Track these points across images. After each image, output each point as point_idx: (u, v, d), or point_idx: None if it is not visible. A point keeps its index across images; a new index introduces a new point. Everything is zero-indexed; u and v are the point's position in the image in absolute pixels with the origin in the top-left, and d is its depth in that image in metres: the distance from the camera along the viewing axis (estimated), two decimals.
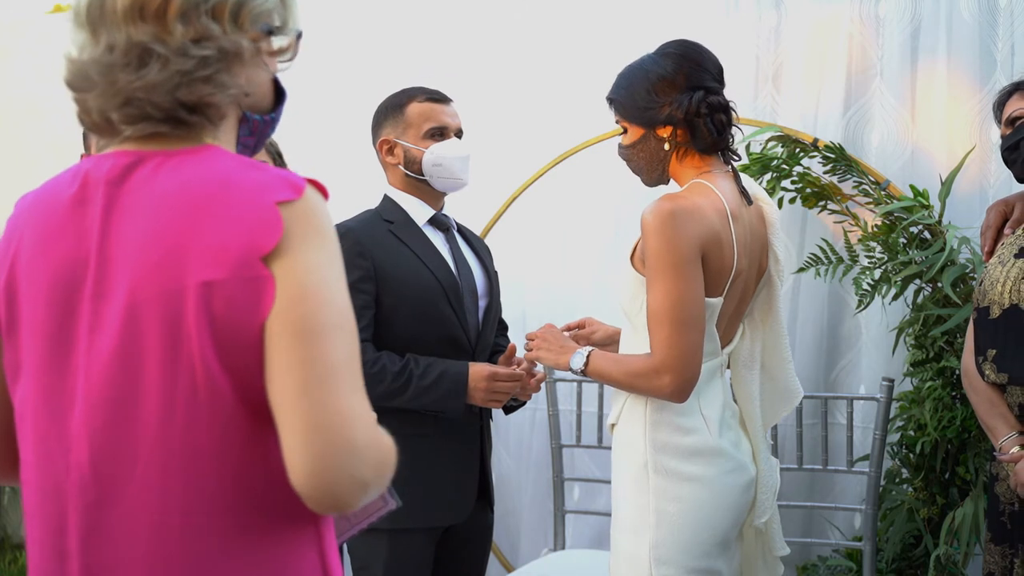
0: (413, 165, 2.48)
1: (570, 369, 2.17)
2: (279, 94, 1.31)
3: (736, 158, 2.16)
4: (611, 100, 2.14)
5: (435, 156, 2.47)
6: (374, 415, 1.14)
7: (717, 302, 2.04)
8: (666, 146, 2.08)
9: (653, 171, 2.14)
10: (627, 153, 2.15)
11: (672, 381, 1.97)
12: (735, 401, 2.20)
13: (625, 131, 2.14)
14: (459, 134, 2.53)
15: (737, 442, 2.11)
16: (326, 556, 1.21)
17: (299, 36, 1.30)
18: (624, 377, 2.06)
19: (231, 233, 1.11)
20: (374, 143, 2.56)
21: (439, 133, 2.49)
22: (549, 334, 2.26)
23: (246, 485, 1.14)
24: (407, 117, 2.49)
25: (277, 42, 1.26)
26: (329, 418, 1.08)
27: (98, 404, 1.14)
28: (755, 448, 2.15)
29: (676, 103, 2.05)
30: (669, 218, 1.96)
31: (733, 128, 2.11)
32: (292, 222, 1.12)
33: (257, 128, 1.29)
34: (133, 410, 1.12)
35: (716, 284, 2.03)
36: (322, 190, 1.19)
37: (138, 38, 1.15)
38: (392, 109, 2.52)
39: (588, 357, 2.12)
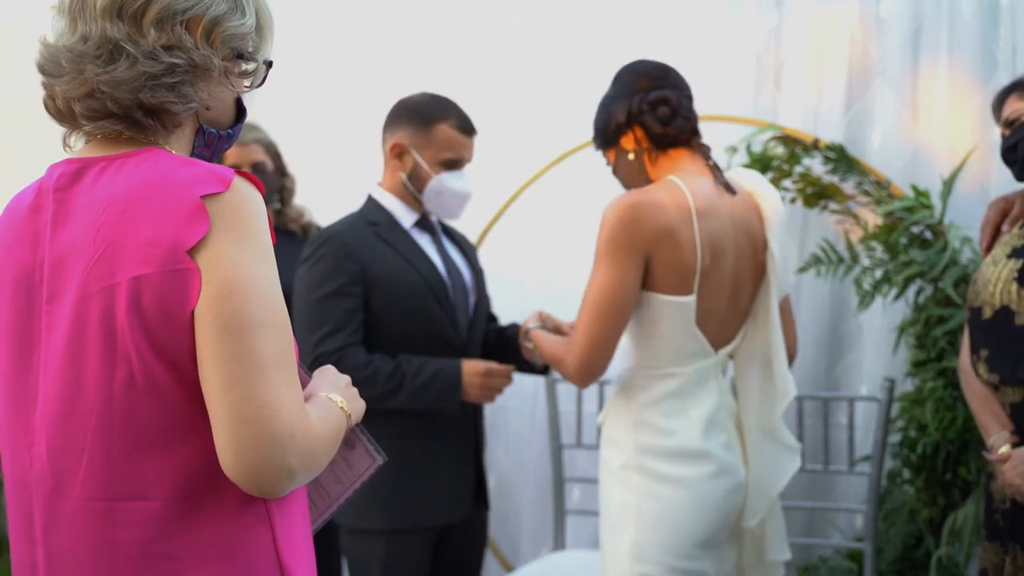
0: (416, 182, 2.46)
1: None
2: (240, 113, 1.36)
3: (708, 148, 2.19)
4: (593, 140, 2.27)
5: (440, 185, 2.44)
6: (303, 407, 1.18)
7: (689, 300, 2.04)
8: (631, 156, 2.17)
9: (636, 184, 2.18)
10: (616, 177, 2.26)
11: (572, 365, 2.08)
12: (737, 400, 2.20)
13: (607, 160, 2.26)
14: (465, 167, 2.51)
15: (728, 444, 2.12)
16: (278, 536, 1.24)
17: (269, 65, 1.35)
18: (549, 353, 2.23)
19: (160, 228, 1.15)
20: (384, 137, 2.51)
21: (453, 164, 2.46)
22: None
23: (193, 470, 1.18)
24: (432, 137, 2.44)
25: (246, 66, 1.31)
26: (254, 411, 1.13)
27: (51, 399, 1.20)
28: (746, 450, 2.16)
29: (623, 110, 2.16)
30: (622, 211, 2.03)
31: (685, 119, 2.15)
32: (218, 215, 1.16)
33: (212, 141, 1.33)
34: (78, 404, 1.18)
35: (681, 282, 2.03)
36: (256, 183, 1.22)
37: (112, 34, 1.21)
38: (419, 118, 2.46)
39: (533, 333, 2.33)
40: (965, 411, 2.71)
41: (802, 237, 3.14)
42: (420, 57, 3.43)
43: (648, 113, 2.14)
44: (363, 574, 2.43)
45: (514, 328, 2.60)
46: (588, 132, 3.25)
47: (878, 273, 2.91)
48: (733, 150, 3.09)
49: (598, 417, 2.21)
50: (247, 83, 1.33)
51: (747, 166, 2.99)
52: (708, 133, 2.30)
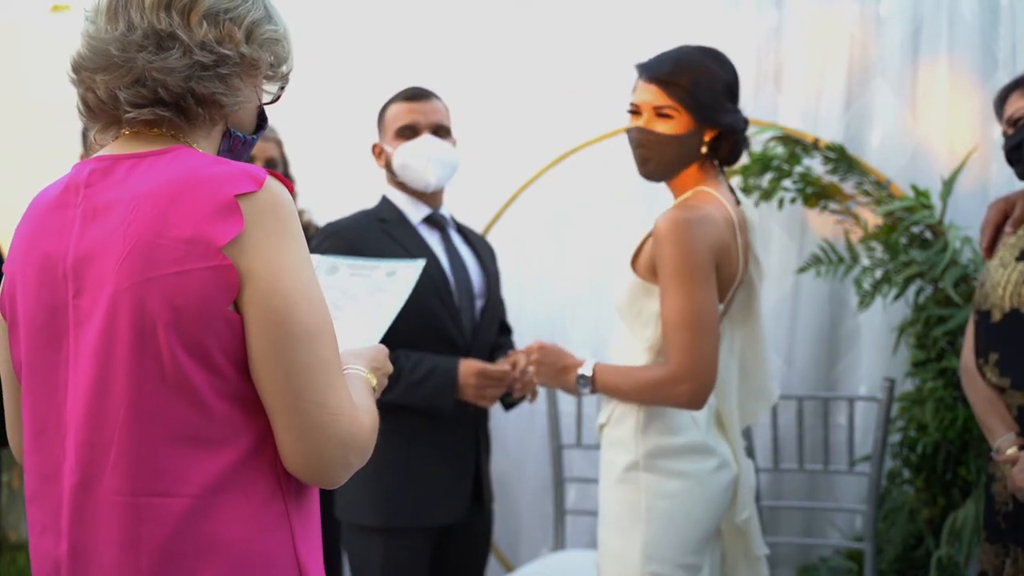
0: (389, 167, 2.50)
1: (578, 393, 2.12)
2: (261, 122, 1.37)
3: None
4: (667, 82, 2.04)
5: (401, 156, 2.47)
6: (355, 403, 1.23)
7: (719, 309, 2.05)
8: (703, 149, 2.08)
9: (668, 166, 2.08)
10: (657, 139, 2.05)
11: (690, 389, 1.98)
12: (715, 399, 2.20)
13: (668, 117, 2.05)
14: (439, 132, 2.49)
15: (719, 439, 2.13)
16: (296, 536, 1.25)
17: (286, 83, 1.36)
18: (636, 390, 2.03)
19: (192, 225, 1.15)
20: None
21: (409, 132, 2.47)
22: (546, 357, 2.17)
23: (220, 469, 1.19)
24: (385, 119, 2.52)
25: (282, 68, 1.33)
26: (326, 417, 1.19)
27: (82, 393, 1.20)
28: (732, 446, 2.16)
29: (735, 114, 2.08)
30: (686, 227, 1.97)
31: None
32: (253, 214, 1.17)
33: (236, 146, 1.34)
34: (108, 398, 1.18)
35: (722, 292, 2.04)
36: (285, 183, 1.22)
37: (161, 26, 1.22)
38: (380, 114, 2.56)
39: (594, 374, 2.08)
40: (965, 411, 2.71)
41: (802, 237, 3.14)
42: (422, 59, 3.42)
43: (740, 133, 2.10)
44: (364, 571, 2.43)
45: (502, 353, 2.51)
46: (587, 133, 3.29)
47: (878, 273, 2.91)
48: None
49: (599, 418, 2.19)
50: (269, 90, 1.34)
51: (747, 166, 2.99)
52: None
